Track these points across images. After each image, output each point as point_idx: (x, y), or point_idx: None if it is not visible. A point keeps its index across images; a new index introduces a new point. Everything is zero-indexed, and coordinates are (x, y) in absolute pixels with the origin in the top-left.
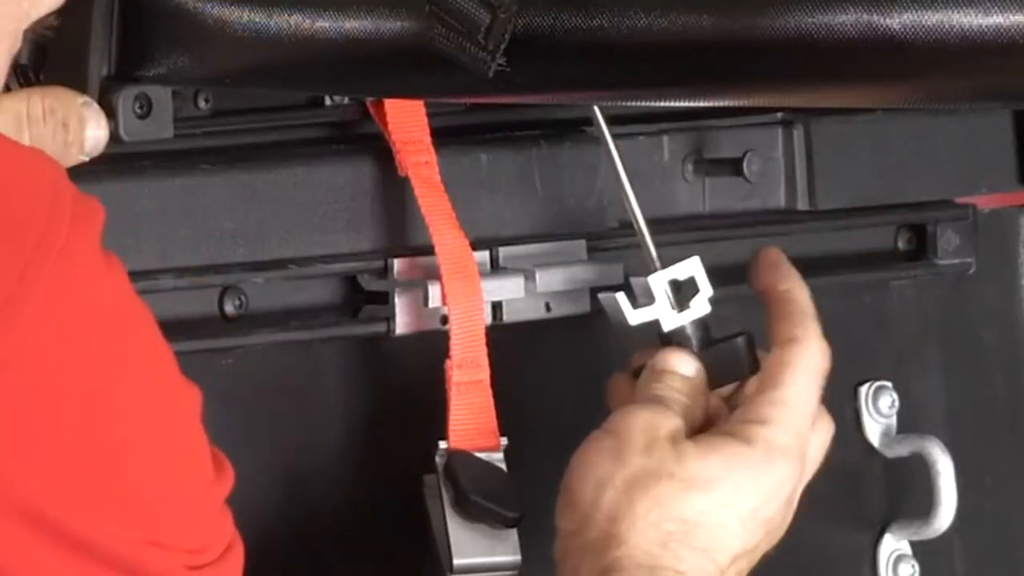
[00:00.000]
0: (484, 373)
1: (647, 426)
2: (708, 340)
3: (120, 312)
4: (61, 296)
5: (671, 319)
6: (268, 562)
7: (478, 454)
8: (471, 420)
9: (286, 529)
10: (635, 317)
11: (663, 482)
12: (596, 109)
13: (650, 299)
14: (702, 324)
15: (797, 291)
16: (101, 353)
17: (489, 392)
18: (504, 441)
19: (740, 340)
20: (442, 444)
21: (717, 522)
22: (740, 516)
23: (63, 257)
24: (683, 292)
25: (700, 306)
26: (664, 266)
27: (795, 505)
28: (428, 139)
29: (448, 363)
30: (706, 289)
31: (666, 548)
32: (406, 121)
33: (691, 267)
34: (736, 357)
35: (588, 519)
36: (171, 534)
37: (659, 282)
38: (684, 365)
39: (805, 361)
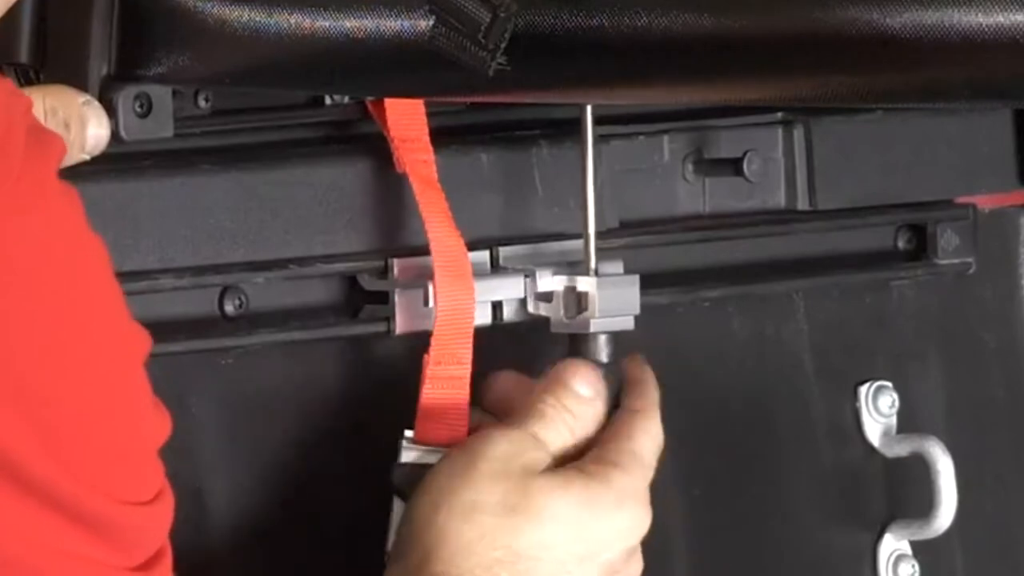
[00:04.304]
0: (465, 370)
1: (503, 455)
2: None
3: (73, 247)
4: (12, 229)
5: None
6: (268, 561)
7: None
8: (441, 415)
9: (286, 528)
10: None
11: (500, 514)
12: (587, 109)
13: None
14: (608, 339)
15: (650, 373)
16: (52, 285)
17: (467, 389)
18: None
19: (622, 368)
20: (408, 433)
21: (552, 557)
22: (578, 555)
23: (14, 194)
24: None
25: (622, 322)
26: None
27: (640, 558)
28: (427, 137)
29: (426, 356)
30: (634, 308)
31: (490, 572)
32: (405, 118)
33: (628, 282)
34: (612, 386)
35: (415, 541)
36: (106, 471)
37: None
38: (584, 384)
39: (651, 428)
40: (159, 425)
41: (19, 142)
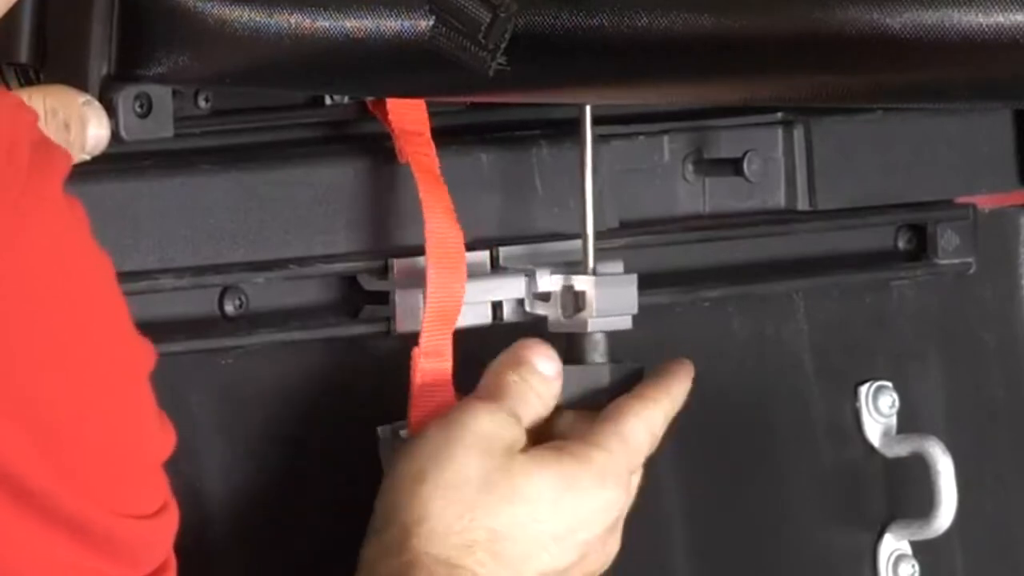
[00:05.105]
0: (447, 363)
1: (487, 433)
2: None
3: (76, 261)
4: (16, 243)
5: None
6: (268, 560)
7: None
8: (434, 409)
9: (286, 528)
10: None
11: (481, 491)
12: (586, 109)
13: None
14: (606, 339)
15: (680, 367)
16: (54, 298)
17: (451, 383)
18: None
19: (620, 368)
20: (402, 433)
21: (529, 536)
22: (555, 534)
23: (18, 207)
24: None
25: (620, 321)
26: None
27: (619, 536)
28: (428, 133)
29: (415, 350)
30: (632, 307)
31: (469, 552)
32: (407, 113)
33: (626, 281)
34: (606, 386)
35: (394, 515)
36: (109, 484)
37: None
38: (546, 363)
39: (646, 414)
40: (163, 439)
41: (24, 156)
